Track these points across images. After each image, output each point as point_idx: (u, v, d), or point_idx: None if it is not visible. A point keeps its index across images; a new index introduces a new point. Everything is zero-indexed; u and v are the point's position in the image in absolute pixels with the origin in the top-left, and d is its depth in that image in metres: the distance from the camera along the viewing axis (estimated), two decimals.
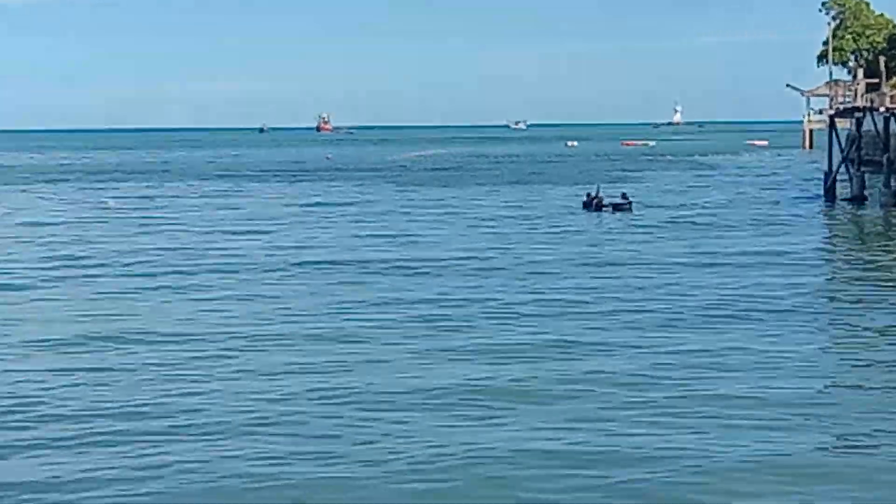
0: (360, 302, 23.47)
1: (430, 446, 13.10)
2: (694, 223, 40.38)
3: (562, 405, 15.04)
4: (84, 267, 29.91)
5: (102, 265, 30.07)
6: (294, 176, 78.12)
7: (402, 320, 21.31)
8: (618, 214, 43.69)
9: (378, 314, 22.03)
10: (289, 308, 22.87)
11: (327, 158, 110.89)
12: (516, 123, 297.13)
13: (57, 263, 30.78)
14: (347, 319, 21.42)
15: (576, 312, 22.04)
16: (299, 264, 29.69)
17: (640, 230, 37.96)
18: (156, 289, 25.77)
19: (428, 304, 23.09)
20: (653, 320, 21.11)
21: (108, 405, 15.07)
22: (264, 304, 23.42)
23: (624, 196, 46.68)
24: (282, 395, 15.64)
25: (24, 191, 64.69)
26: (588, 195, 47.39)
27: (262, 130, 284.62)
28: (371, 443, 13.33)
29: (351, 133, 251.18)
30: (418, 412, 14.67)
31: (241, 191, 62.86)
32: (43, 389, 16.08)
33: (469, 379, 16.43)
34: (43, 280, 27.60)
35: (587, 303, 23.16)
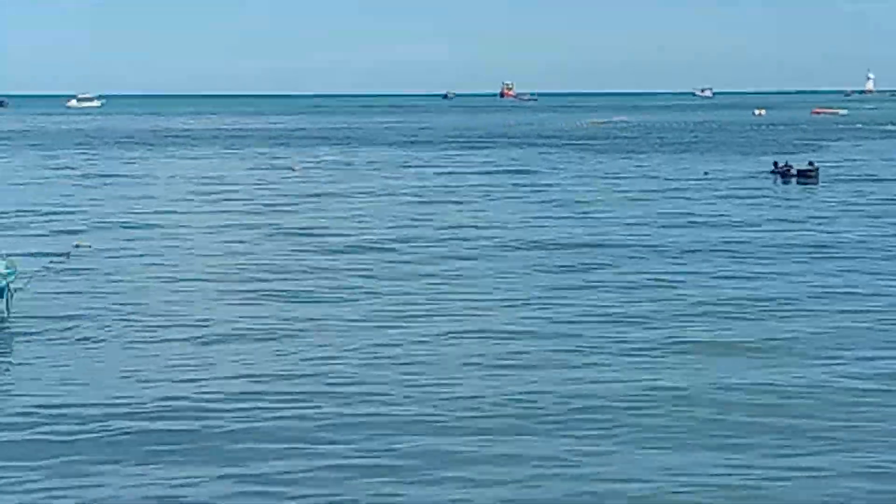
0: (554, 288, 21.64)
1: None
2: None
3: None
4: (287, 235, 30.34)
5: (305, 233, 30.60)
6: (476, 142, 78.09)
7: (601, 313, 19.30)
8: (803, 184, 43.11)
9: (573, 303, 20.15)
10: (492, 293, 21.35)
11: (509, 126, 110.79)
12: (702, 91, 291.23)
13: (271, 232, 30.82)
14: (541, 309, 19.67)
15: (796, 309, 19.47)
16: (487, 244, 27.78)
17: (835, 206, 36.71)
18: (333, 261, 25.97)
19: (628, 291, 21.29)
20: None
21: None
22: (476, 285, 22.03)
23: (811, 164, 46.10)
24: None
25: (212, 153, 66.22)
26: (775, 163, 47.33)
27: (446, 97, 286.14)
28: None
29: (535, 99, 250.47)
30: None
31: (420, 159, 62.98)
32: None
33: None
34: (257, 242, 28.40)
35: (800, 300, 20.38)
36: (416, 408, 13.71)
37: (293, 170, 53.57)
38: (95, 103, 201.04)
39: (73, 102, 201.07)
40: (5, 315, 18.94)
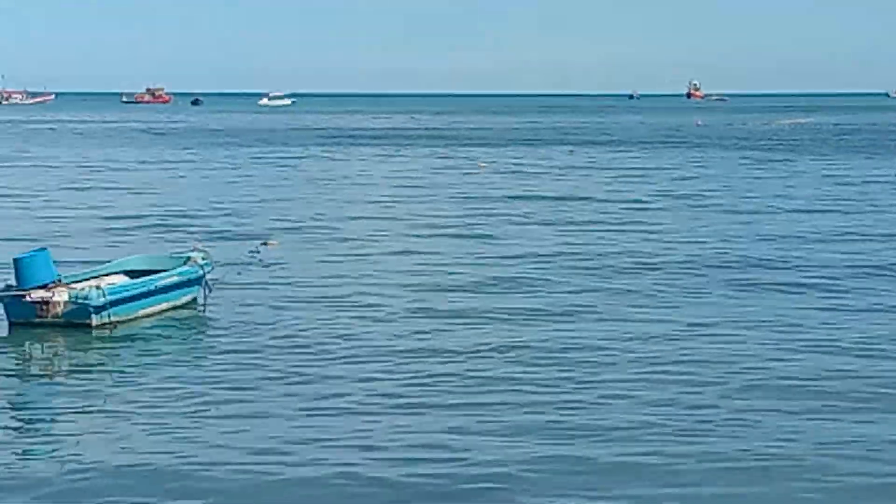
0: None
1: None
2: None
3: None
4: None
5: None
6: (661, 144, 77.23)
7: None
8: None
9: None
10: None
11: (697, 125, 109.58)
12: None
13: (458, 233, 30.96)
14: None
15: None
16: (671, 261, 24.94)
17: None
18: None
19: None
20: None
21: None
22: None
23: None
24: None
25: (400, 152, 67.14)
26: None
27: (631, 97, 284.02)
28: None
29: (723, 100, 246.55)
30: None
31: (609, 159, 62.50)
32: None
33: None
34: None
35: None
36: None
37: (480, 167, 53.98)
38: (286, 102, 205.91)
39: (265, 101, 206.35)
40: (203, 305, 19.61)
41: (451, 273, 23.45)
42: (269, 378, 14.95)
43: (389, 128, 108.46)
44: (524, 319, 18.72)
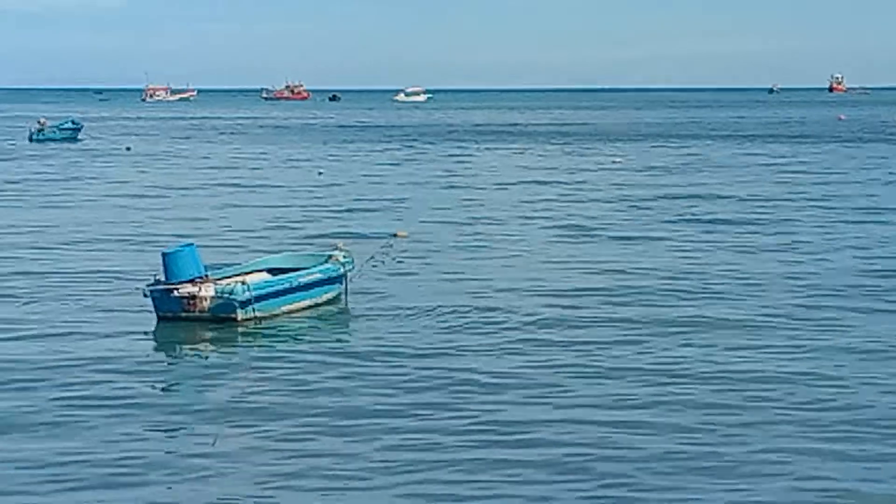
0: None
1: None
2: None
3: None
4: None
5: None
6: (796, 139, 75.77)
7: None
8: None
9: None
10: None
11: (840, 119, 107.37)
12: None
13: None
14: None
15: None
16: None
17: None
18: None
19: None
20: None
21: None
22: None
23: None
24: None
25: (535, 147, 67.04)
26: None
27: (771, 91, 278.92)
28: None
29: (866, 93, 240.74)
30: None
31: (759, 154, 61.50)
32: None
33: None
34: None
35: None
36: None
37: (614, 162, 53.90)
38: (422, 98, 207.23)
39: (401, 96, 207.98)
40: (344, 303, 20.02)
41: (587, 274, 23.18)
42: (410, 376, 15.20)
43: (523, 123, 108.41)
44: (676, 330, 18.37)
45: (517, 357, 16.11)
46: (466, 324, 18.22)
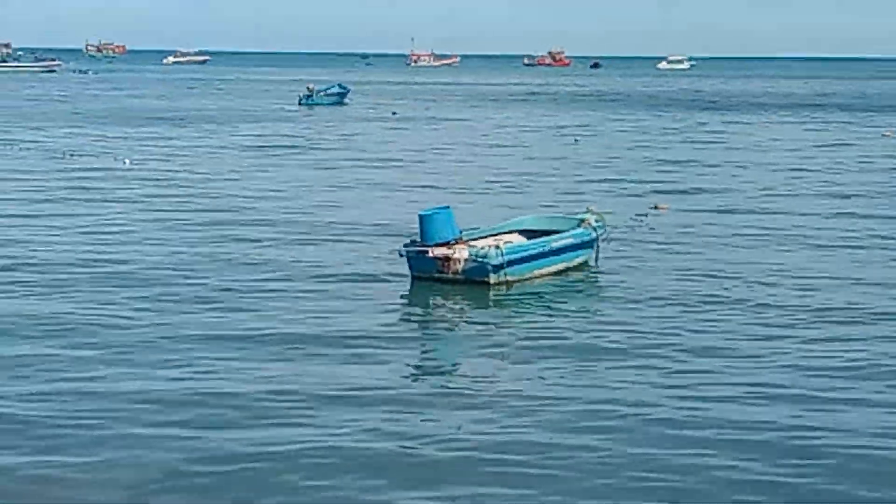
0: None
1: None
2: None
3: None
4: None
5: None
6: None
7: None
8: None
9: None
10: None
11: None
12: None
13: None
14: None
15: None
16: None
17: None
18: None
19: None
20: None
21: None
22: None
23: None
24: None
25: (793, 118, 64.95)
26: None
27: None
28: None
29: None
30: None
31: None
32: None
33: None
34: None
35: None
36: None
37: (885, 136, 51.58)
38: (685, 65, 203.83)
39: (664, 64, 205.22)
40: (595, 268, 19.99)
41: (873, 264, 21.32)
42: (654, 349, 15.01)
43: (785, 93, 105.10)
44: None
45: (773, 356, 14.91)
46: (718, 309, 17.22)
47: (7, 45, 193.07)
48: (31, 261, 20.27)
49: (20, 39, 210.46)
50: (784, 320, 16.40)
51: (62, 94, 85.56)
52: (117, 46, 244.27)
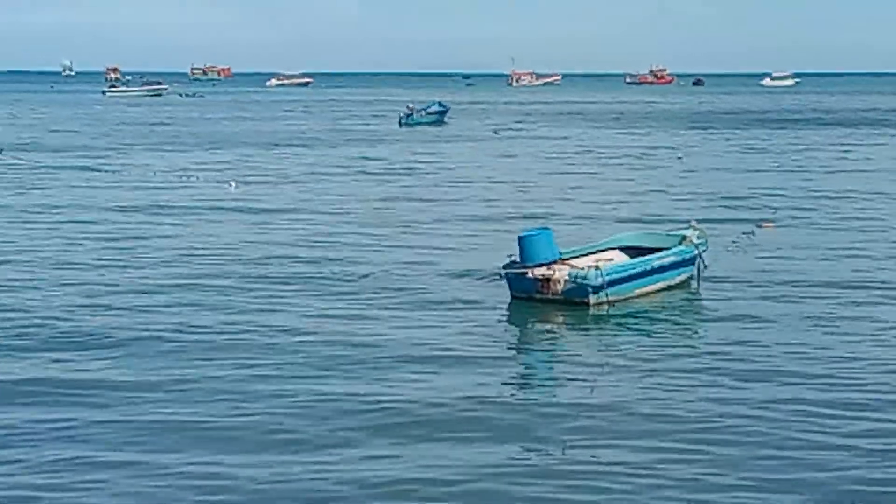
0: None
1: None
2: None
3: None
4: None
5: None
6: None
7: None
8: None
9: None
10: None
11: None
12: None
13: None
14: None
15: None
16: None
17: None
18: None
19: None
20: None
21: None
22: None
23: None
24: None
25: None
26: None
27: None
28: None
29: None
30: None
31: None
32: None
33: None
34: None
35: None
36: None
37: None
38: (790, 82, 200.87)
39: (768, 81, 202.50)
40: (697, 286, 19.71)
41: None
42: (757, 372, 14.69)
43: (888, 108, 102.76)
44: None
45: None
46: (825, 329, 16.85)
47: (116, 70, 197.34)
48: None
49: (128, 63, 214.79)
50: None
51: (169, 117, 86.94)
52: (222, 69, 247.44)
